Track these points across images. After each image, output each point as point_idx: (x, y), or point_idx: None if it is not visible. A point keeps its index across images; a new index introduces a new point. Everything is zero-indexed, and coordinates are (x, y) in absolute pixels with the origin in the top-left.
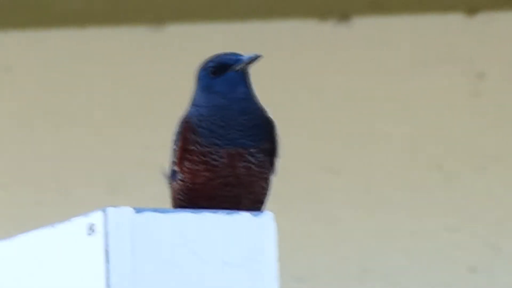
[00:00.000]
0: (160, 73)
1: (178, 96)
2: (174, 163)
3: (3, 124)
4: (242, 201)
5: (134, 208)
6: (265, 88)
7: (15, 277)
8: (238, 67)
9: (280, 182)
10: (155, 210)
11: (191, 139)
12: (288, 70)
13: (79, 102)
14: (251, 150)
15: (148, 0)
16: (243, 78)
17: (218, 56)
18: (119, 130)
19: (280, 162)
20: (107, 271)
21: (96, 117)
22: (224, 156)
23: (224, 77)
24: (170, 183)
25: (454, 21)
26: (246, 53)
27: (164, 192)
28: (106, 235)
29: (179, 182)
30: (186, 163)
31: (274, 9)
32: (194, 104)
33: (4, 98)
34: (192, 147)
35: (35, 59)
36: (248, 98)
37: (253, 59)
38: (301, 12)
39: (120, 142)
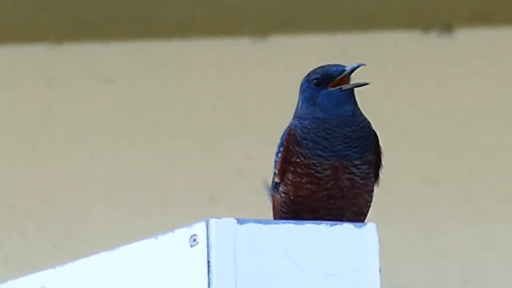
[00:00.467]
0: (263, 84)
1: (280, 107)
2: (276, 174)
3: (104, 135)
4: (345, 214)
5: (237, 219)
6: (367, 99)
7: None
8: (344, 88)
9: (381, 193)
10: (258, 221)
11: (295, 151)
12: (390, 82)
13: (180, 113)
14: (356, 162)
15: (250, 11)
16: (347, 91)
17: (322, 68)
18: (221, 141)
19: (381, 174)
20: (210, 282)
21: (198, 128)
22: (328, 168)
23: (328, 90)
24: (272, 195)
25: None
26: (349, 65)
27: (265, 203)
28: (209, 246)
29: (282, 194)
30: (289, 175)
31: (376, 21)
32: (298, 116)
33: (106, 109)
34: (296, 159)
35: (136, 70)
36: (352, 110)
37: (356, 68)
38: (403, 23)
39: (221, 153)
